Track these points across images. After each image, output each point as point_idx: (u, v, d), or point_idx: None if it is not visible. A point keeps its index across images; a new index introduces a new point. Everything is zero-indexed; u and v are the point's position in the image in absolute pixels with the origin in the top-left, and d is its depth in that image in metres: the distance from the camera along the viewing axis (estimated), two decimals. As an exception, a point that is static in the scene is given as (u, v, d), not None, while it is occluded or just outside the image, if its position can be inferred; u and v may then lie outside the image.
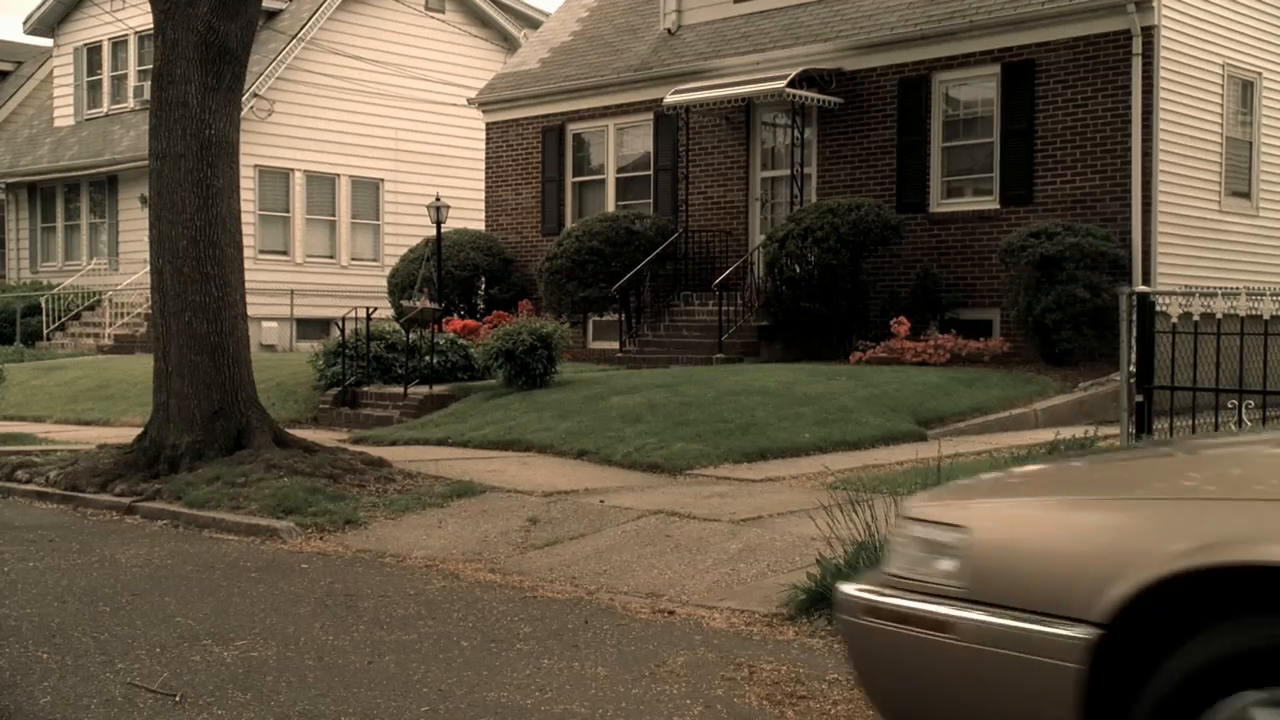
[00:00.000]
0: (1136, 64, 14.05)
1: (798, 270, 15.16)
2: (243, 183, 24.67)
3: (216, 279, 9.61)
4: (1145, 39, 14.00)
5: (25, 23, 28.22)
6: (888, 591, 2.99)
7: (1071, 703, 2.58)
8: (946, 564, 2.88)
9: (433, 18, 26.10)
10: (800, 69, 16.27)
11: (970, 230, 15.38)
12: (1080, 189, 14.52)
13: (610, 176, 19.31)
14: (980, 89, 15.48)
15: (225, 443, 9.53)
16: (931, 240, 15.69)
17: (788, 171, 17.12)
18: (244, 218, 24.51)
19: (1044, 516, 2.89)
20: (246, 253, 24.52)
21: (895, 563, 3.06)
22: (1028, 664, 2.66)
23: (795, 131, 16.82)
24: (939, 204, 15.78)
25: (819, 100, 16.30)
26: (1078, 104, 14.56)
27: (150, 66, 10.23)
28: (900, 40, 15.84)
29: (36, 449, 10.97)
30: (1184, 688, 2.47)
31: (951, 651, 2.81)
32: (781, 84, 15.96)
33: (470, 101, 21.60)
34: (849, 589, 3.13)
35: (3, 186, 28.29)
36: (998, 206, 15.21)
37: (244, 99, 23.92)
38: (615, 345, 17.41)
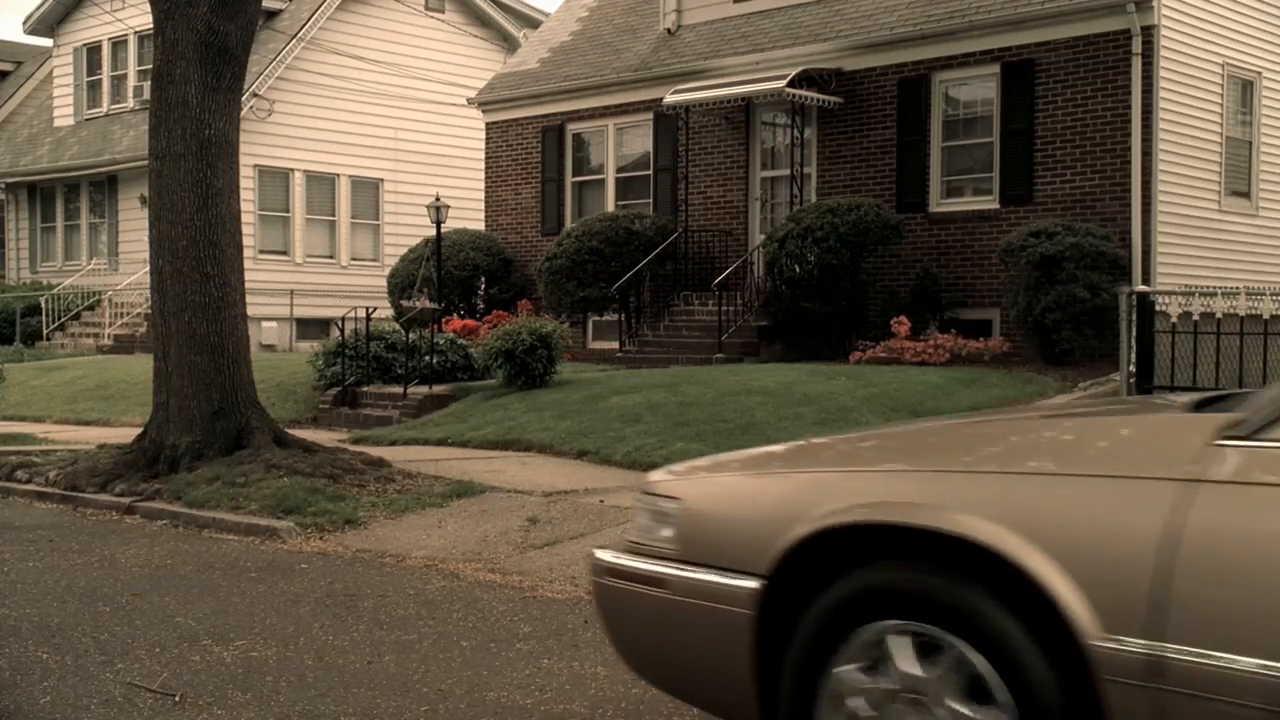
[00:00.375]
0: (1136, 64, 14.05)
1: (797, 270, 15.16)
2: (243, 183, 24.61)
3: (216, 279, 9.61)
4: (1145, 39, 14.01)
5: (25, 23, 28.22)
6: (624, 555, 3.47)
7: (748, 640, 3.10)
8: (666, 530, 3.36)
9: (433, 17, 26.11)
10: (800, 69, 16.27)
11: (970, 230, 15.39)
12: (1080, 189, 14.52)
13: (610, 176, 19.31)
14: (980, 89, 15.48)
15: (225, 443, 9.53)
16: (931, 240, 15.70)
17: (787, 171, 17.12)
18: (244, 218, 24.42)
19: (736, 488, 3.39)
20: (246, 253, 24.46)
21: (633, 531, 3.52)
22: (717, 611, 3.17)
23: (795, 131, 16.82)
24: (939, 204, 15.78)
25: (819, 100, 16.30)
26: (1077, 104, 14.56)
27: (150, 66, 10.23)
28: (900, 40, 15.84)
29: (36, 449, 10.97)
30: (827, 620, 2.96)
31: (666, 603, 3.31)
32: (781, 84, 15.96)
33: (470, 101, 21.60)
34: (600, 554, 3.57)
35: (2, 186, 28.29)
36: (997, 206, 15.21)
37: (244, 99, 23.87)
38: (615, 345, 17.41)
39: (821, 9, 17.23)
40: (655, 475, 3.69)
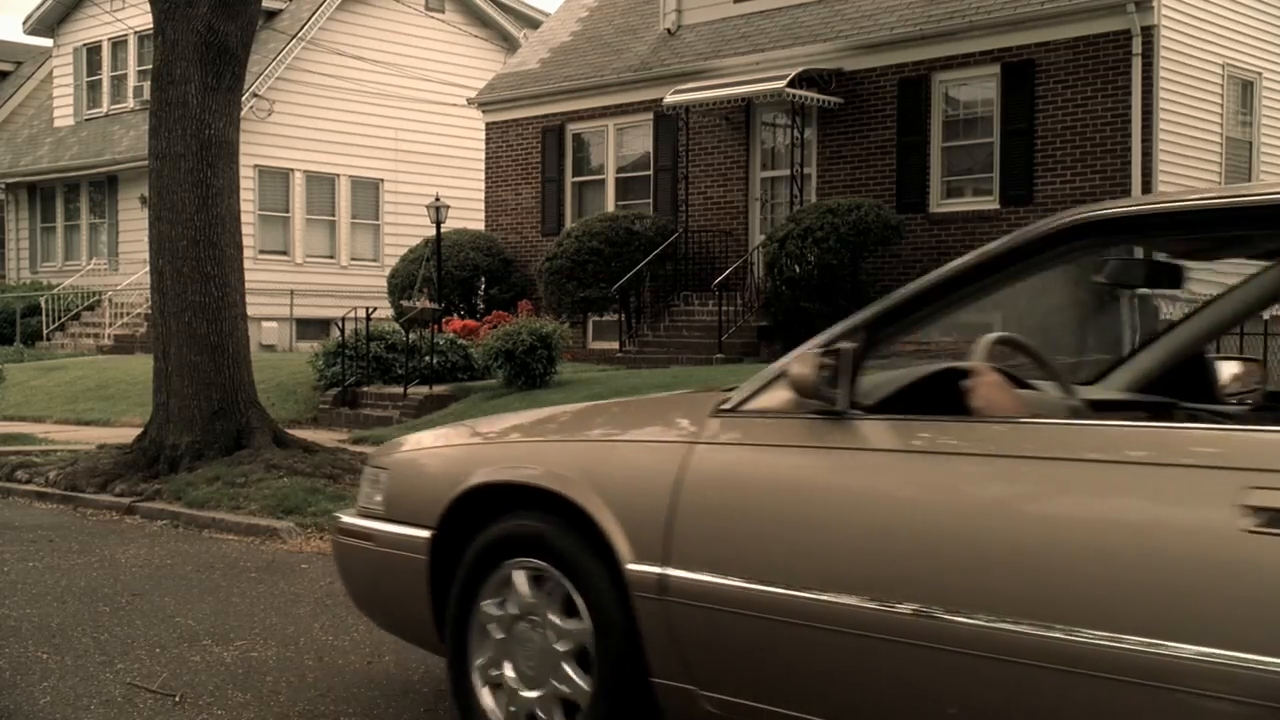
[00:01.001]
0: (1136, 64, 14.06)
1: (797, 270, 15.16)
2: (243, 183, 24.58)
3: (216, 279, 9.61)
4: (1145, 39, 14.01)
5: (25, 23, 28.22)
6: (352, 516, 4.19)
7: (424, 581, 3.80)
8: (378, 495, 4.05)
9: (433, 18, 26.12)
10: (800, 69, 16.27)
11: (970, 230, 15.38)
12: (1080, 189, 14.53)
13: (610, 177, 19.31)
14: (980, 89, 15.49)
15: (225, 443, 9.52)
16: (932, 240, 15.70)
17: (788, 171, 17.12)
18: (244, 218, 24.42)
19: (424, 457, 4.07)
20: (246, 253, 24.48)
21: (359, 497, 4.23)
22: (402, 558, 3.87)
23: (795, 131, 16.82)
24: (939, 204, 15.78)
25: (819, 100, 16.30)
26: (1078, 104, 14.57)
27: (150, 66, 10.23)
28: (900, 40, 15.84)
29: (36, 449, 10.97)
30: (474, 562, 3.64)
31: (374, 554, 4.02)
32: (781, 84, 15.96)
33: (470, 101, 21.61)
34: (338, 516, 4.30)
35: (2, 187, 28.29)
36: (998, 206, 15.21)
37: (244, 99, 23.88)
38: (615, 345, 17.41)
39: (822, 9, 17.23)
40: (374, 450, 4.48)
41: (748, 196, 17.73)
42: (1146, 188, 14.06)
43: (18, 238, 28.22)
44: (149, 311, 17.85)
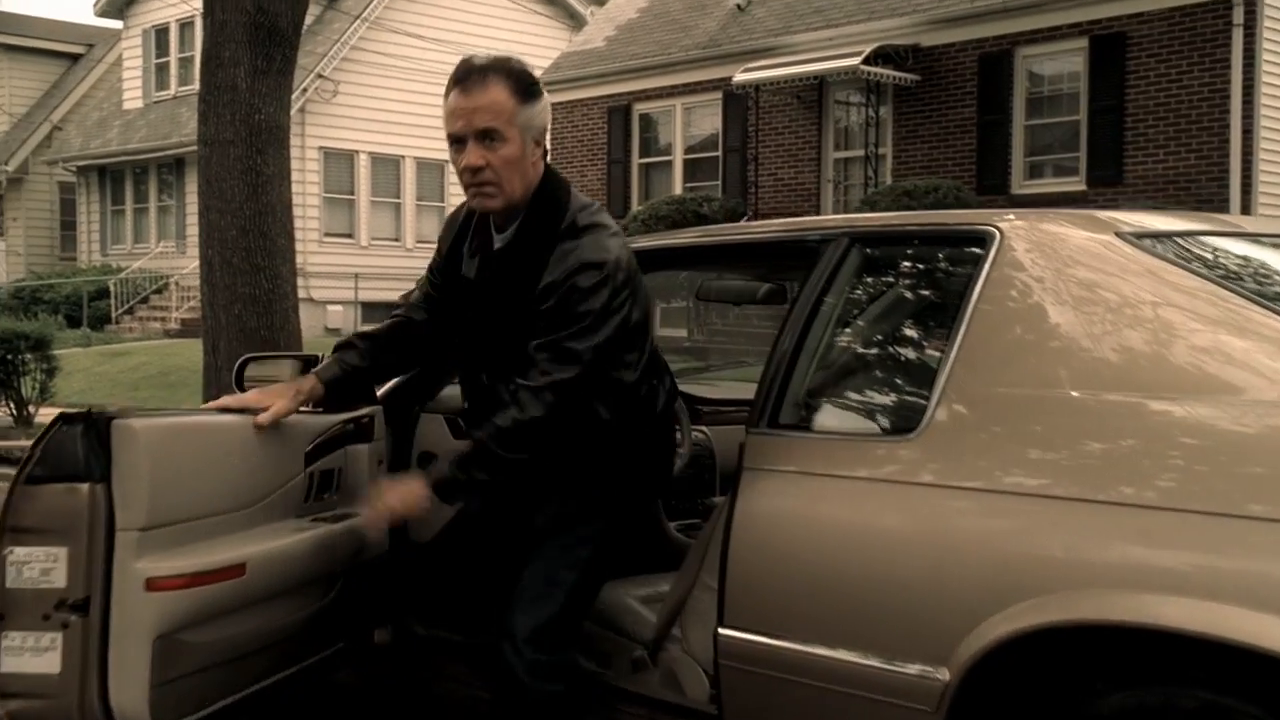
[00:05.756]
0: (1237, 35, 13.23)
1: (872, 255, 14.55)
2: (307, 165, 24.28)
3: (267, 270, 9.23)
4: (1247, 8, 13.18)
5: (95, 4, 28.26)
6: None
7: None
8: None
9: (498, -4, 25.70)
10: (875, 45, 15.60)
11: (1055, 213, 14.66)
12: (1174, 169, 13.74)
13: (677, 158, 18.79)
14: (1066, 63, 14.73)
15: (276, 440, 9.19)
16: (1013, 223, 14.98)
17: (861, 152, 16.48)
18: (309, 200, 24.00)
19: None
20: (311, 236, 24.08)
21: None
22: None
23: (870, 110, 16.17)
24: (1022, 185, 15.06)
25: (895, 78, 15.63)
26: (1172, 79, 13.77)
27: (203, 49, 9.87)
28: (981, 14, 15.11)
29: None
30: None
31: None
32: (856, 60, 15.31)
33: (535, 81, 21.16)
34: None
35: (74, 170, 28.43)
36: (1084, 188, 14.46)
37: (308, 80, 23.63)
38: (683, 334, 16.92)
39: (898, -18, 16.52)
40: None
41: (820, 178, 17.11)
42: (1246, 168, 13.26)
43: (89, 221, 28.34)
44: (212, 297, 17.66)
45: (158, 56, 27.13)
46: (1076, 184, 14.57)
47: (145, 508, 2.63)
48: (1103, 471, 2.31)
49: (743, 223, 4.69)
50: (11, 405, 12.10)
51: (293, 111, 10.09)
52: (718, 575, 2.85)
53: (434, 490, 2.82)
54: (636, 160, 19.32)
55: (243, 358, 3.63)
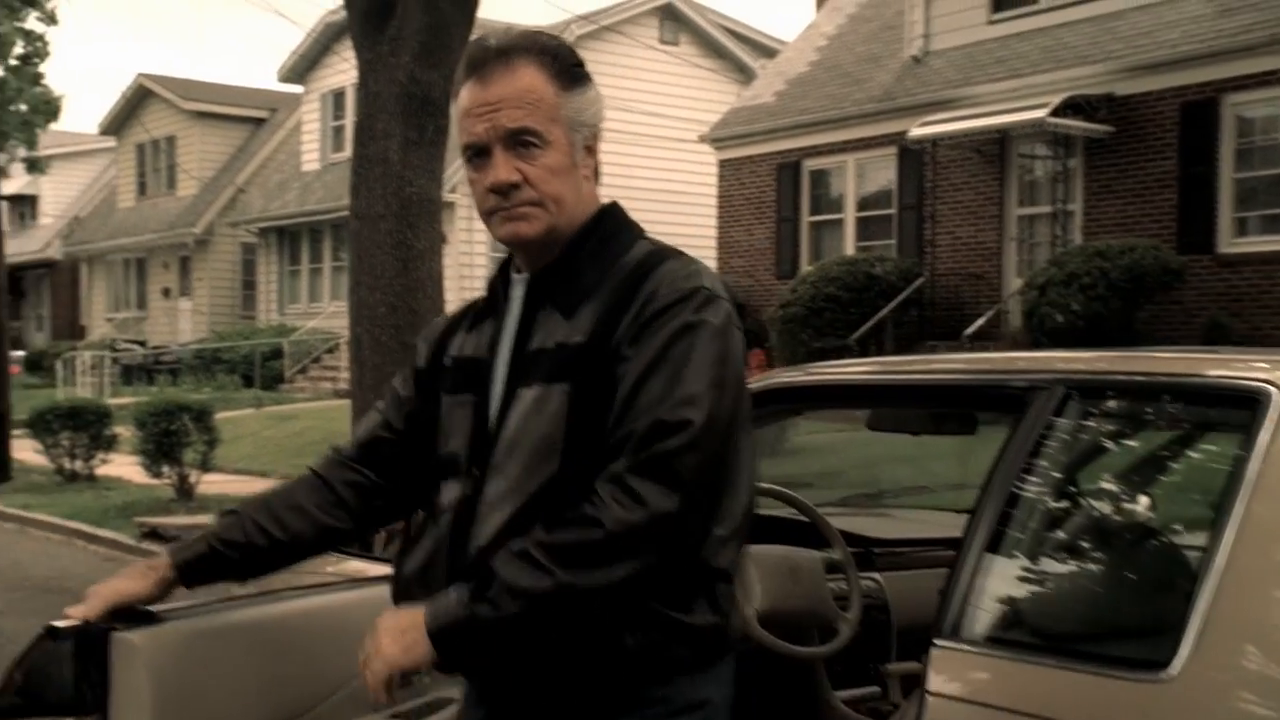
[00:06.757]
0: None
1: (1060, 320, 13.52)
2: (476, 225, 24.21)
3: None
4: None
5: (279, 71, 29.19)
6: None
7: None
8: None
9: (666, 51, 25.44)
10: (1064, 95, 14.57)
11: (1269, 274, 13.35)
12: None
13: (849, 215, 18.02)
14: (1280, 111, 13.47)
15: (423, 526, 8.79)
16: (1220, 285, 13.71)
17: (1048, 209, 15.43)
18: (478, 260, 24.00)
19: None
20: (475, 295, 24.04)
21: None
22: None
23: (1057, 164, 15.14)
24: (1230, 244, 13.79)
25: (1086, 129, 14.58)
26: (1406, 126, 12.41)
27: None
28: (1184, 59, 13.97)
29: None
30: None
31: None
32: (1043, 113, 14.32)
33: (702, 138, 20.73)
34: None
35: (255, 231, 29.29)
36: (1303, 247, 13.14)
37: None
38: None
39: (1090, 28, 15.45)
40: None
41: (1002, 236, 16.10)
42: None
43: (268, 280, 29.11)
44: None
45: (334, 119, 27.78)
46: (1293, 242, 13.27)
47: None
48: None
49: (926, 356, 4.05)
50: (175, 477, 12.08)
51: (455, 182, 9.80)
52: None
53: (432, 639, 1.84)
54: (806, 218, 18.62)
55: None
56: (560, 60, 1.99)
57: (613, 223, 2.04)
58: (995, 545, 2.28)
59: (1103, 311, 13.29)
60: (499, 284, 2.10)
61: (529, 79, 1.95)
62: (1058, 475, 2.34)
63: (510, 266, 2.10)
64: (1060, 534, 2.39)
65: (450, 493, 2.01)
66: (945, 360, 3.14)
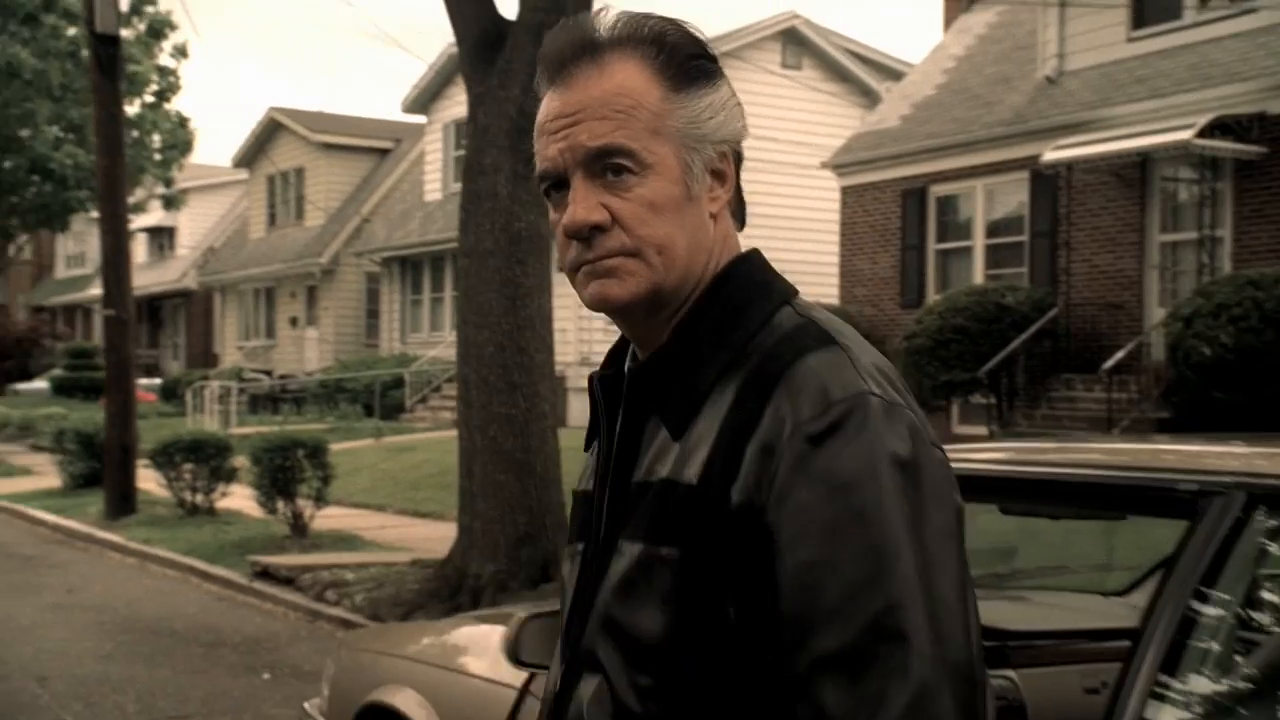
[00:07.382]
0: None
1: (1207, 353, 12.67)
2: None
3: (524, 389, 8.62)
4: None
5: (403, 102, 29.51)
6: None
7: None
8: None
9: (788, 76, 24.99)
10: (1211, 115, 13.74)
11: None
12: None
13: (978, 243, 17.32)
14: None
15: (530, 573, 8.49)
16: (1387, 317, 12.72)
17: (1194, 235, 14.56)
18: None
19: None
20: (595, 323, 23.74)
21: None
22: None
23: (1204, 188, 14.28)
24: (1397, 272, 12.79)
25: (1235, 151, 13.72)
26: None
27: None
28: (1343, 74, 13.06)
29: (352, 561, 10.41)
30: None
31: None
32: (1188, 134, 13.52)
33: (824, 164, 20.22)
34: None
35: (379, 260, 29.60)
36: None
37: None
38: (983, 430, 15.38)
39: (1238, 43, 14.58)
40: None
41: (1143, 264, 15.25)
42: None
43: (390, 310, 29.38)
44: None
45: (456, 150, 27.92)
46: None
47: None
48: None
49: (1065, 444, 3.47)
50: (289, 513, 12.02)
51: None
52: None
53: None
54: (932, 246, 17.96)
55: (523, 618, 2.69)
56: (670, 50, 1.42)
57: (743, 283, 1.44)
58: (1171, 668, 2.01)
59: (1255, 345, 12.41)
60: (597, 378, 1.52)
61: (622, 77, 1.41)
62: (1237, 607, 2.07)
63: (629, 349, 1.51)
64: (1246, 664, 2.08)
65: (551, 679, 1.48)
66: (1089, 450, 2.75)
